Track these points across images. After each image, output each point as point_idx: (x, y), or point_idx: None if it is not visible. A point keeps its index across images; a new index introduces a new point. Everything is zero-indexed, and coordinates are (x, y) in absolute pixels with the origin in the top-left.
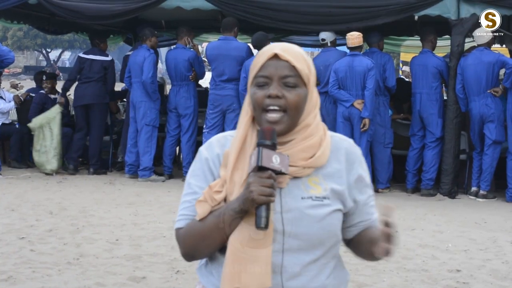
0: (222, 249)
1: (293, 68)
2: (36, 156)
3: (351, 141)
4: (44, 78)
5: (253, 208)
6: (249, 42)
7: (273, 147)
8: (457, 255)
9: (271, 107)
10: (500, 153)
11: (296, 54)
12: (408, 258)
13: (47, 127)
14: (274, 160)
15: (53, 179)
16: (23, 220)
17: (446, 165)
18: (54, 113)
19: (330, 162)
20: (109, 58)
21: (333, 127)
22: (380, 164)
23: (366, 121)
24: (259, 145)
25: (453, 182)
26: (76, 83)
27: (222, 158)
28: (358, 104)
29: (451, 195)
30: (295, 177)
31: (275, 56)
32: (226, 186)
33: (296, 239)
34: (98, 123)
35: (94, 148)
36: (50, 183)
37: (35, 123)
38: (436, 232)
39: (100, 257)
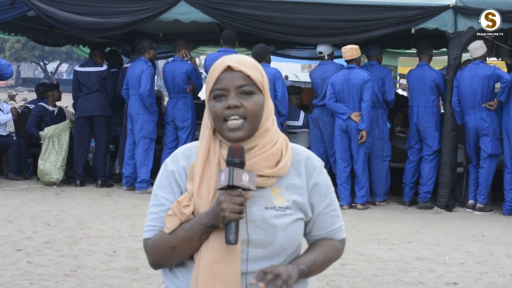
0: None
1: (247, 77)
2: (41, 165)
3: (311, 153)
4: (57, 89)
5: (223, 224)
6: (248, 55)
7: (241, 165)
8: (454, 268)
9: (232, 117)
10: (496, 166)
11: (248, 64)
12: (405, 271)
13: (57, 138)
14: (244, 178)
15: (50, 191)
16: (20, 232)
17: (443, 178)
18: (65, 126)
19: (291, 174)
20: (104, 68)
21: (330, 140)
22: (377, 177)
23: (364, 133)
24: (229, 163)
25: (450, 195)
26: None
27: (188, 171)
28: (355, 116)
29: (448, 208)
30: (259, 187)
31: (229, 68)
32: (193, 200)
33: (260, 247)
34: (102, 135)
35: (100, 161)
36: (48, 195)
37: (46, 132)
38: (433, 245)
39: (98, 269)
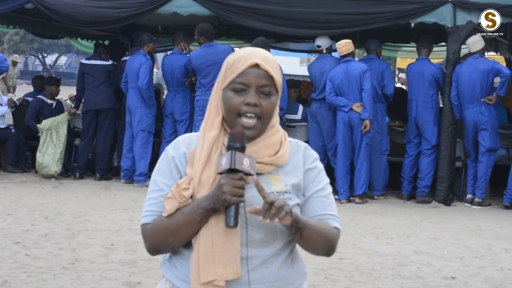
0: (186, 244)
1: (271, 78)
2: (39, 158)
3: (307, 144)
4: (58, 84)
5: (223, 208)
6: (242, 47)
7: (242, 149)
8: (452, 262)
9: (248, 114)
10: (494, 160)
11: (273, 64)
12: (403, 265)
13: (55, 131)
14: (245, 162)
15: (49, 184)
16: (18, 224)
17: (442, 172)
18: (63, 118)
19: (290, 162)
20: (110, 62)
21: (328, 134)
22: (376, 171)
23: (367, 122)
24: (230, 148)
25: (448, 189)
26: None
27: (189, 157)
28: (357, 107)
29: (447, 202)
30: (258, 174)
31: (256, 65)
32: (192, 183)
33: (258, 232)
34: (108, 128)
35: (102, 154)
36: (46, 188)
37: (44, 125)
38: (432, 239)
39: (96, 262)
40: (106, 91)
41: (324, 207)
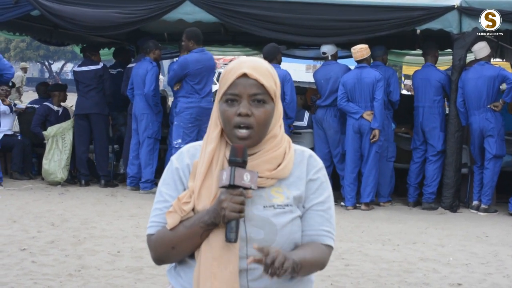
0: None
1: (262, 86)
2: (46, 165)
3: (313, 153)
4: (64, 90)
5: (224, 222)
6: (255, 55)
7: (243, 164)
8: (458, 269)
9: (242, 125)
10: (501, 167)
11: (264, 71)
12: (409, 272)
13: (61, 137)
14: (245, 177)
15: (55, 191)
16: (24, 231)
17: (448, 179)
18: (69, 125)
19: (293, 173)
20: (100, 66)
21: (334, 141)
22: (382, 178)
23: (376, 132)
24: (231, 162)
25: (454, 195)
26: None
27: (191, 169)
28: (367, 115)
29: (453, 208)
30: (259, 187)
31: (244, 75)
32: (193, 197)
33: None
34: (100, 134)
35: (101, 160)
36: (52, 194)
37: (50, 131)
38: (438, 245)
39: (102, 269)
40: (94, 97)
41: (322, 222)
